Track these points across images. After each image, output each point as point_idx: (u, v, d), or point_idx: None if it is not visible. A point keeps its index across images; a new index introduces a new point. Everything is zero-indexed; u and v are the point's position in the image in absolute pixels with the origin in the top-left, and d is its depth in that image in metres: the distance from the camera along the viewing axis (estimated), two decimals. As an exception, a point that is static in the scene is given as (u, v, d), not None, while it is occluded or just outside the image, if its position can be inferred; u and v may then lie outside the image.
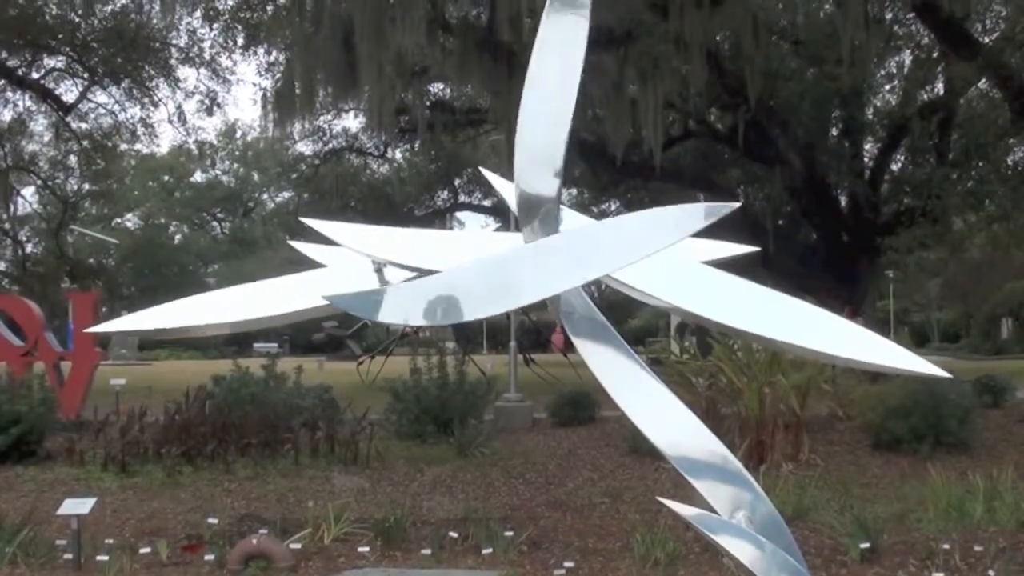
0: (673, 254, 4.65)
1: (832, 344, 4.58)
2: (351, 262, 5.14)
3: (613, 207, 38.78)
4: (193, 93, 38.72)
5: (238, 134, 78.78)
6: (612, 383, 4.66)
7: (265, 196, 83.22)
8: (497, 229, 35.31)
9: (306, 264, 5.46)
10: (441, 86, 34.94)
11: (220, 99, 39.20)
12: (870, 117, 33.20)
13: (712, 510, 4.59)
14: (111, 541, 10.84)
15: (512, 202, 4.83)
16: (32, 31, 32.77)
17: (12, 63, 36.02)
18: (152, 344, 54.16)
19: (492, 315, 4.50)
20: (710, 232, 4.48)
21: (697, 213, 4.23)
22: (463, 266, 4.40)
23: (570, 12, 4.37)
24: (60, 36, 34.15)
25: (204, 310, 5.10)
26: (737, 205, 4.46)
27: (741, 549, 4.44)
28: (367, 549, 10.57)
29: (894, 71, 33.82)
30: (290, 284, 5.24)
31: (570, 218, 4.92)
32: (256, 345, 50.02)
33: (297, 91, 27.58)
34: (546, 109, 4.42)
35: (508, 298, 4.39)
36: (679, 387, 16.72)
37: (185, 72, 37.86)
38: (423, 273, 4.65)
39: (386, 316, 4.19)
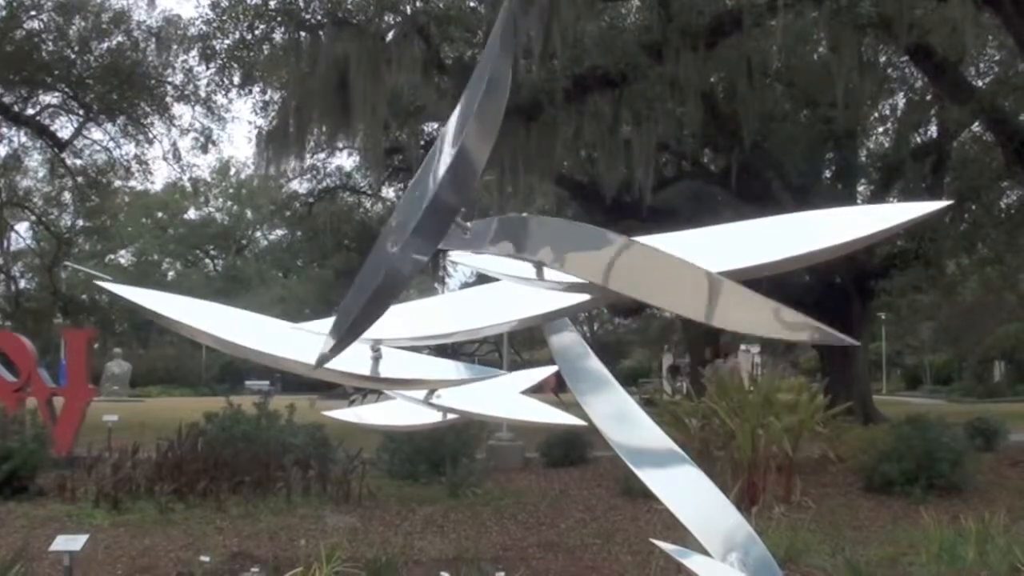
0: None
1: (820, 239, 4.43)
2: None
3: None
4: (188, 130, 38.58)
5: (232, 171, 79.04)
6: (608, 427, 4.65)
7: (258, 234, 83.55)
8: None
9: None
10: (436, 125, 35.03)
11: (215, 136, 39.16)
12: (863, 159, 33.34)
13: (705, 552, 4.59)
14: (102, 579, 10.81)
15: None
16: (28, 67, 32.92)
17: (7, 99, 36.16)
18: (144, 381, 54.14)
19: None
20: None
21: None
22: None
23: None
24: (56, 73, 34.27)
25: (205, 317, 5.03)
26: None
27: (734, 591, 4.44)
28: (358, 588, 10.54)
29: (888, 113, 34.05)
30: (290, 331, 5.17)
31: None
32: (248, 382, 49.89)
33: (291, 129, 27.67)
34: None
35: None
36: (672, 428, 16.70)
37: (180, 109, 37.73)
38: (421, 341, 4.68)
39: None
